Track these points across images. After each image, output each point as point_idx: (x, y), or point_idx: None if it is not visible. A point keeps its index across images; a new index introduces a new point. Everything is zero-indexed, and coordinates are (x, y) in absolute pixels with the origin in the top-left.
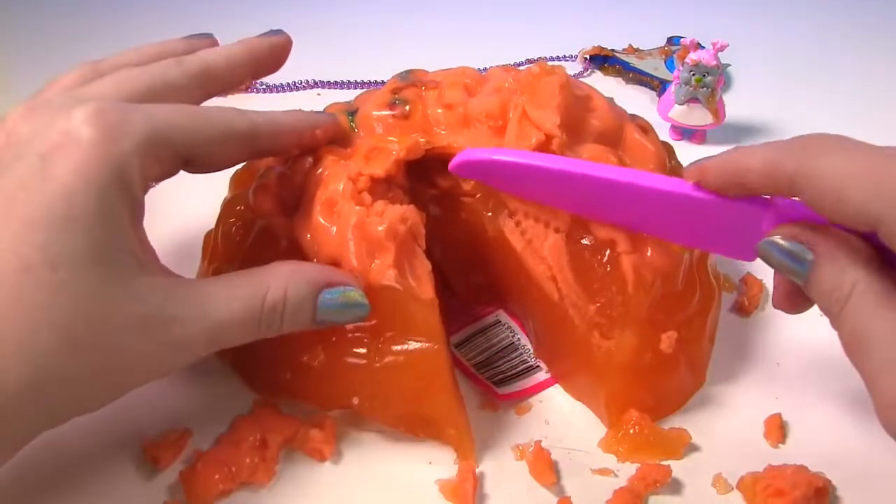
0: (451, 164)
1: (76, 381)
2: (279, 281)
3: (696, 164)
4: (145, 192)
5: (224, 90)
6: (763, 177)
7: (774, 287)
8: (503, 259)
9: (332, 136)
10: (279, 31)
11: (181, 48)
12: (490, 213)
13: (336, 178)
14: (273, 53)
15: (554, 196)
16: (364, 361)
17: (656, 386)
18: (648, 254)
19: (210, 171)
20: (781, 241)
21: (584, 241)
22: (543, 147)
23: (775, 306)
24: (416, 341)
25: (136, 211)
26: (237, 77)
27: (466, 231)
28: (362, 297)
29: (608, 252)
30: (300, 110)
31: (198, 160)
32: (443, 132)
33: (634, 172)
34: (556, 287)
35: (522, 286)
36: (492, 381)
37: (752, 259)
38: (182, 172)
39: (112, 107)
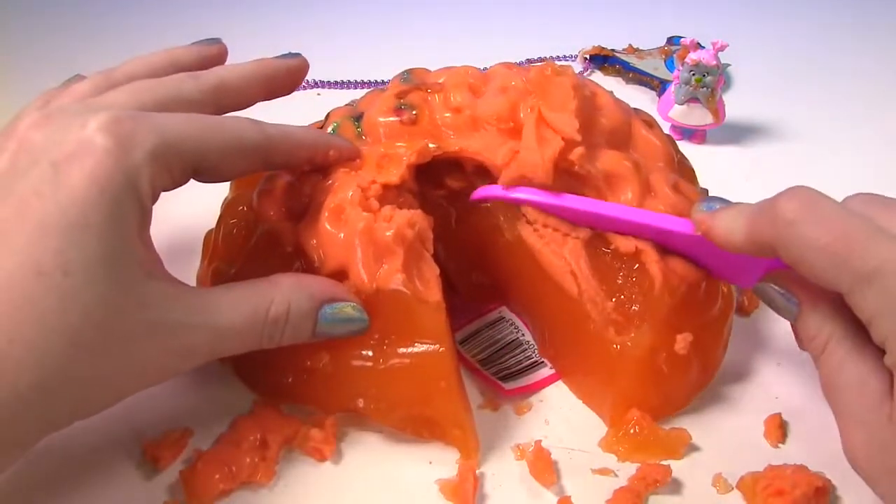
0: (472, 197)
1: (83, 384)
2: (283, 294)
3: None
4: (154, 201)
5: (237, 107)
6: (750, 246)
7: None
8: (514, 257)
9: (346, 159)
10: (297, 55)
11: (190, 55)
12: (505, 219)
13: (346, 187)
14: (289, 75)
15: (573, 220)
16: (370, 364)
17: (665, 386)
18: (674, 260)
19: (221, 181)
20: (774, 287)
21: (605, 250)
22: (563, 154)
23: (801, 348)
24: (423, 343)
25: (144, 219)
26: (251, 95)
27: (474, 232)
28: (361, 312)
29: (632, 254)
30: (317, 129)
31: (208, 170)
32: (452, 136)
33: (644, 213)
34: (577, 282)
35: (533, 283)
36: (497, 377)
37: (750, 286)
38: None
39: (126, 116)
